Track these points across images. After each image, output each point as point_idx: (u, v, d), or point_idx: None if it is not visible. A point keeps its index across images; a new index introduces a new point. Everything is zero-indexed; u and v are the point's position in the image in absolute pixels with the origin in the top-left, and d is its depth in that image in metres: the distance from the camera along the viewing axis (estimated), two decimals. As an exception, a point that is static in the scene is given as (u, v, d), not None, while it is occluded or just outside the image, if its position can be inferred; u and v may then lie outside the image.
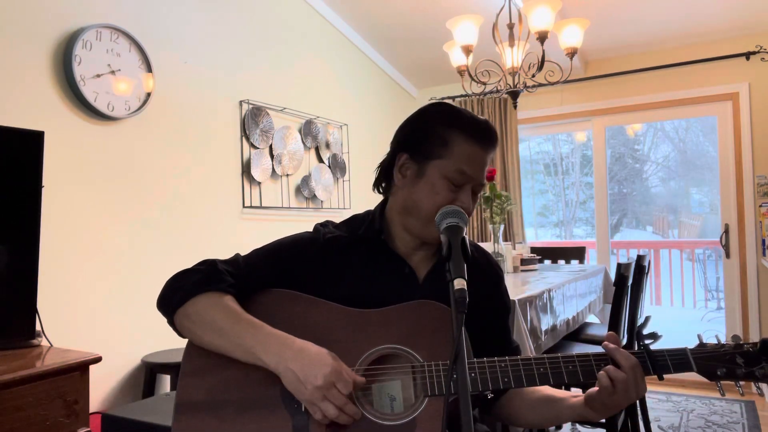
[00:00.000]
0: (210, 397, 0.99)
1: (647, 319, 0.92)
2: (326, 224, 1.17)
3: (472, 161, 1.05)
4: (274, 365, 0.93)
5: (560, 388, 1.07)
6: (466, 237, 0.91)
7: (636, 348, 0.99)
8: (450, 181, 1.04)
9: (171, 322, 1.05)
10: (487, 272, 1.20)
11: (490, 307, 1.17)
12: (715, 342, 0.97)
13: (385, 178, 1.14)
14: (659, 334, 1.01)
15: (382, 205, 1.17)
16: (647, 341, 1.00)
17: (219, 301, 1.01)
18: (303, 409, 0.95)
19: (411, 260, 1.12)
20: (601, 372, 0.94)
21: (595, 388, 0.96)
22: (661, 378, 0.97)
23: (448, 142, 1.05)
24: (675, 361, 0.96)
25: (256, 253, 1.13)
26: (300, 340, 0.96)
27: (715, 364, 0.95)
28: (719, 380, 0.96)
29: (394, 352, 1.01)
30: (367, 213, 1.18)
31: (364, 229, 1.13)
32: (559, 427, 3.17)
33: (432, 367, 0.98)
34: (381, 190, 1.16)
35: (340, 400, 0.91)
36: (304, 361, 0.91)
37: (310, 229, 1.18)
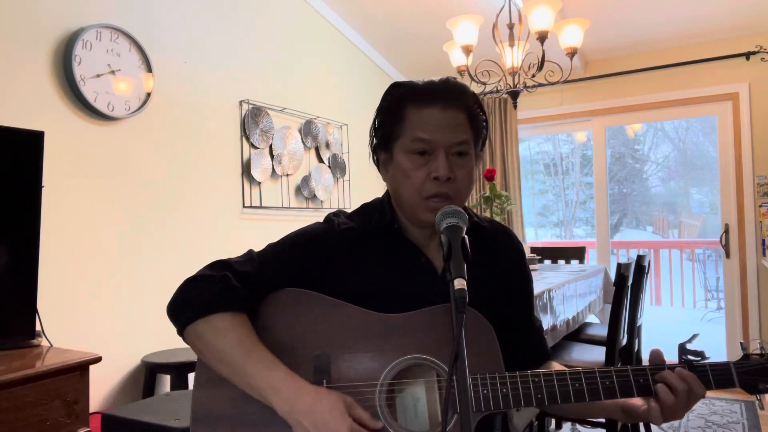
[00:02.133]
0: (227, 409, 0.95)
1: (694, 336, 0.89)
2: (339, 214, 1.11)
3: (426, 123, 0.98)
4: (285, 414, 0.88)
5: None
6: (467, 237, 0.89)
7: (678, 361, 0.96)
8: (413, 154, 0.99)
9: (180, 334, 1.01)
10: (507, 247, 1.16)
11: (512, 282, 1.13)
12: (759, 352, 0.92)
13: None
14: (707, 354, 0.96)
15: (389, 195, 1.11)
16: (692, 357, 0.93)
17: (231, 326, 0.95)
18: None
19: (427, 250, 1.07)
20: (659, 386, 0.91)
21: (640, 404, 0.93)
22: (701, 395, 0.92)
23: (403, 117, 1.00)
24: (718, 377, 0.92)
25: (272, 249, 1.07)
26: (314, 388, 0.90)
27: (759, 378, 0.91)
28: (759, 393, 0.91)
29: (420, 362, 0.96)
30: (378, 202, 1.12)
31: (376, 219, 1.08)
32: (559, 426, 3.17)
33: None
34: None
35: None
36: (317, 420, 0.86)
37: (320, 221, 1.13)
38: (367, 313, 0.99)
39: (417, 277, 1.04)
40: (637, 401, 0.93)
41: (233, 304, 0.96)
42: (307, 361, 0.96)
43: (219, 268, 1.01)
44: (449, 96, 1.00)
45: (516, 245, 1.18)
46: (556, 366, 1.10)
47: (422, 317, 0.98)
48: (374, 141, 1.08)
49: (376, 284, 1.03)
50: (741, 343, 0.96)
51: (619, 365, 2.44)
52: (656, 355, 0.96)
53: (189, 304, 0.97)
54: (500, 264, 1.11)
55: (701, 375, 0.92)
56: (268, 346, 0.95)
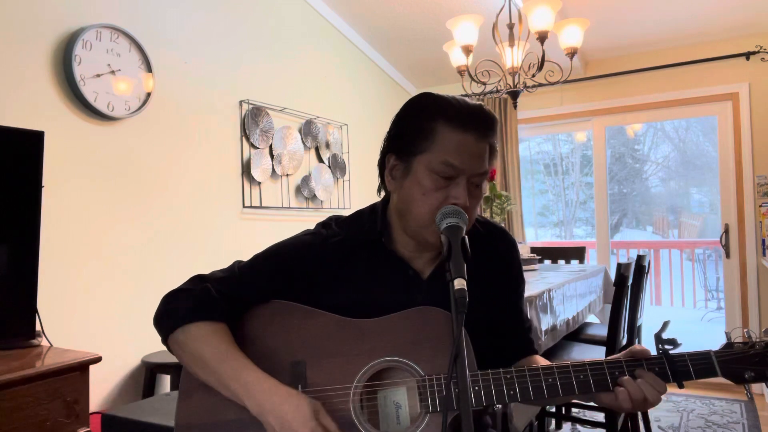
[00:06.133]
0: (208, 418, 0.98)
1: (666, 324, 0.87)
2: (328, 224, 1.11)
3: (460, 150, 0.95)
4: (255, 413, 0.92)
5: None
6: (466, 237, 0.89)
7: (656, 353, 0.95)
8: (438, 176, 0.96)
9: (164, 343, 1.05)
10: (501, 248, 1.15)
11: (504, 283, 1.13)
12: (745, 340, 0.91)
13: (383, 181, 1.08)
14: (679, 341, 0.95)
15: (384, 204, 1.10)
16: (667, 346, 0.92)
17: (208, 333, 0.98)
18: None
19: (414, 263, 1.07)
20: (620, 389, 0.91)
21: (609, 394, 0.93)
22: (681, 386, 0.91)
23: (432, 133, 0.96)
24: (698, 366, 0.90)
25: (254, 261, 1.09)
26: (285, 390, 0.92)
27: (743, 366, 0.88)
28: (746, 383, 0.89)
29: (394, 365, 0.97)
30: (372, 210, 1.11)
31: (365, 231, 1.07)
32: (559, 426, 3.17)
33: (434, 382, 0.94)
34: (385, 193, 1.11)
35: None
36: (282, 420, 0.89)
37: (311, 228, 1.13)
38: (343, 319, 1.01)
39: (403, 289, 1.05)
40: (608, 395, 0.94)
41: (211, 314, 1.00)
42: (285, 370, 0.99)
43: (198, 281, 1.05)
44: (485, 126, 0.98)
45: (509, 246, 1.17)
46: (541, 361, 1.10)
47: (396, 320, 0.99)
48: (388, 146, 1.04)
49: (361, 297, 1.03)
50: (726, 333, 0.94)
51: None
52: (640, 354, 0.95)
53: (170, 315, 1.01)
54: (493, 265, 1.12)
55: (680, 365, 0.91)
56: (247, 356, 0.98)
